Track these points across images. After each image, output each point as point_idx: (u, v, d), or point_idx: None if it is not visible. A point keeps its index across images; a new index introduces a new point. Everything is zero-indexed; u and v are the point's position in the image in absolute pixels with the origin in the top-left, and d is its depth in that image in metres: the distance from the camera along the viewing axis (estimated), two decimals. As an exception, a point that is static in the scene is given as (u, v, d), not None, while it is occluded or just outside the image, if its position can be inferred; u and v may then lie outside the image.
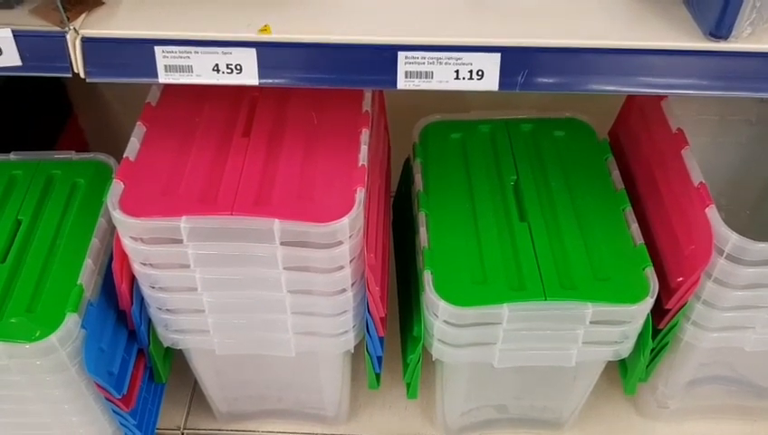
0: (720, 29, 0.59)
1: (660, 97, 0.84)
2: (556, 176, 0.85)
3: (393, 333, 0.93)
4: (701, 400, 0.94)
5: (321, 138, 0.76)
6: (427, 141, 0.90)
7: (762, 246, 0.69)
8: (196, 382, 0.97)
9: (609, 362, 0.88)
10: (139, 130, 0.77)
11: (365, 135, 0.75)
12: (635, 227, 0.79)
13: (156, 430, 0.95)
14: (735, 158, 0.98)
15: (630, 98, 0.91)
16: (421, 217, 0.81)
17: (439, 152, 0.89)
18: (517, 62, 0.61)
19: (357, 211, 0.68)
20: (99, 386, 0.77)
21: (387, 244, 0.86)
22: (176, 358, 0.93)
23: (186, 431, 1.00)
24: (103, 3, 0.65)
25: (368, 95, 0.80)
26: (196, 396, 1.02)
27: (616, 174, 0.85)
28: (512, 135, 0.90)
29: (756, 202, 1.02)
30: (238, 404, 0.96)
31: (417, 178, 0.86)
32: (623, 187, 0.84)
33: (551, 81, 0.62)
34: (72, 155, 0.87)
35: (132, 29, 0.63)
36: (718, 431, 0.98)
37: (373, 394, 1.01)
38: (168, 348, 0.88)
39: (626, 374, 0.87)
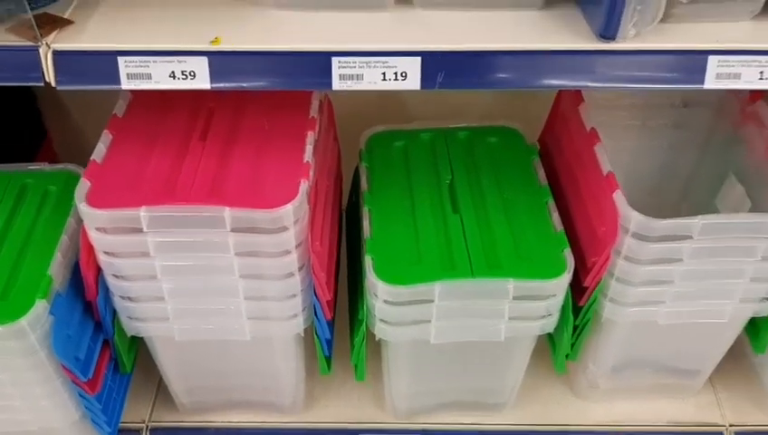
0: (608, 30, 0.69)
1: (577, 102, 0.94)
2: (487, 175, 0.95)
3: (347, 325, 1.00)
4: (630, 380, 1.03)
5: (272, 140, 0.84)
6: (373, 148, 0.99)
7: (662, 223, 0.79)
8: (161, 379, 1.04)
9: (544, 345, 0.97)
10: (105, 138, 0.85)
11: (311, 137, 0.84)
12: (555, 215, 0.88)
13: (121, 422, 1.01)
14: (657, 160, 1.08)
15: (555, 107, 1.01)
16: (365, 213, 0.90)
17: (383, 157, 0.98)
18: (435, 64, 0.70)
19: (300, 200, 0.76)
20: (66, 370, 0.83)
21: (335, 238, 0.94)
22: (142, 356, 0.99)
23: (150, 424, 1.05)
24: (73, 22, 0.73)
25: (314, 103, 0.89)
26: (161, 392, 1.08)
27: (541, 172, 0.94)
28: (449, 142, 0.99)
29: (677, 202, 1.12)
30: (200, 395, 1.02)
31: (363, 179, 0.94)
32: (546, 183, 0.93)
33: (465, 79, 0.71)
34: (45, 166, 0.95)
35: (98, 42, 0.71)
36: (648, 410, 1.05)
37: (329, 385, 1.08)
38: (132, 340, 0.95)
39: (555, 352, 0.95)
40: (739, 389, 1.08)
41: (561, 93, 0.99)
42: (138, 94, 0.90)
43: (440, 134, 1.00)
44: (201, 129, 0.86)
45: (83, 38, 0.71)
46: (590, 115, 0.92)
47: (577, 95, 0.95)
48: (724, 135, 0.98)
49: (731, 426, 1.04)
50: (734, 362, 1.09)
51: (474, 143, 0.99)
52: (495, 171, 0.95)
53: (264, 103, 0.89)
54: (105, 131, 0.85)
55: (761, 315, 0.91)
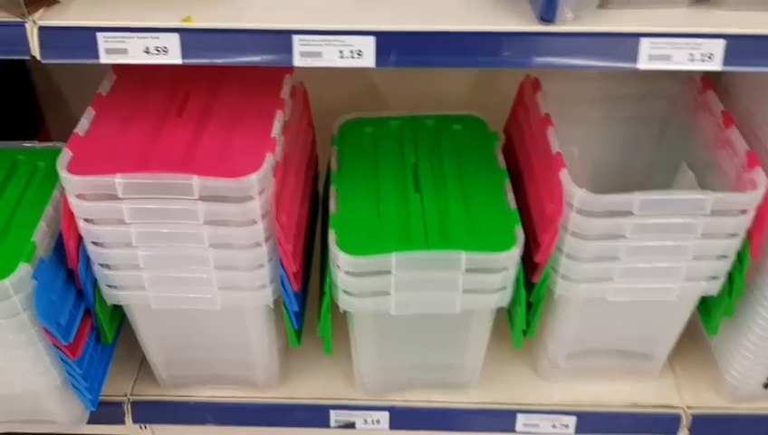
0: (547, 13, 0.74)
1: (535, 90, 0.99)
2: (450, 159, 1.00)
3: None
4: (589, 362, 1.07)
5: (243, 118, 0.91)
6: (344, 133, 1.05)
7: (603, 198, 0.84)
8: (144, 356, 1.09)
9: (508, 327, 1.01)
10: (89, 114, 0.91)
11: (279, 116, 0.90)
12: (510, 196, 0.93)
13: (104, 395, 1.06)
14: (618, 152, 1.13)
15: (518, 96, 1.06)
16: (332, 191, 0.95)
17: (353, 142, 1.03)
18: (388, 43, 0.76)
19: (265, 171, 0.82)
20: (48, 333, 0.89)
21: (305, 214, 0.99)
22: (127, 333, 1.05)
23: (132, 397, 1.10)
24: (58, 1, 0.80)
25: (286, 87, 0.95)
26: (143, 368, 1.13)
27: (501, 157, 1.00)
28: (416, 129, 1.05)
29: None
30: (178, 369, 1.07)
31: (333, 161, 1.00)
32: (505, 167, 0.98)
33: (416, 58, 0.77)
34: (36, 144, 1.02)
35: (80, 20, 0.77)
36: (608, 392, 1.09)
37: (304, 362, 1.13)
38: (114, 312, 1.01)
39: (512, 327, 0.99)
40: (698, 372, 1.12)
41: (523, 84, 1.04)
42: (121, 76, 0.97)
43: (408, 121, 1.06)
44: (178, 107, 0.92)
45: (67, 16, 0.77)
46: (552, 107, 0.98)
47: (536, 84, 1.00)
48: (678, 125, 1.04)
49: (688, 408, 1.08)
50: (694, 346, 1.13)
51: (440, 130, 1.05)
52: (458, 156, 1.00)
53: (239, 86, 0.95)
54: (89, 108, 0.91)
55: (710, 295, 0.95)
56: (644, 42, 0.75)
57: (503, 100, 1.11)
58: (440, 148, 1.02)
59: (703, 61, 0.75)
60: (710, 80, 1.00)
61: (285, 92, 0.94)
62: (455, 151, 1.01)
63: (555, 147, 0.90)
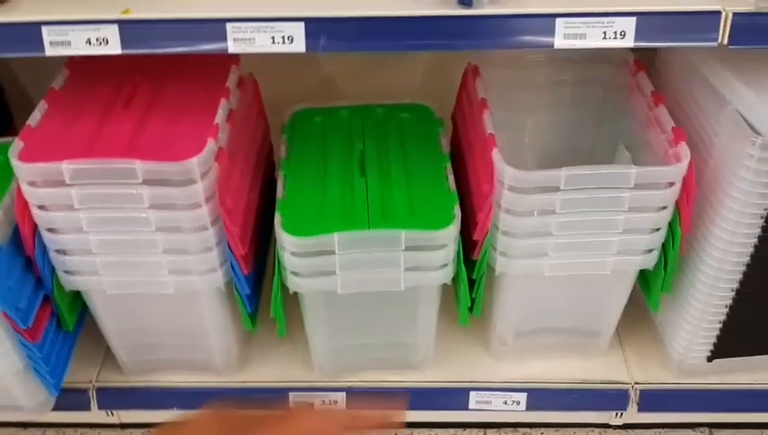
0: (465, -3, 0.78)
1: (475, 77, 1.03)
2: (395, 145, 1.04)
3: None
4: (538, 338, 1.10)
5: (188, 108, 0.94)
6: (295, 123, 1.09)
7: (531, 174, 0.87)
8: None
9: (455, 304, 1.05)
10: (41, 106, 0.95)
11: (223, 104, 0.94)
12: (451, 178, 0.97)
13: (70, 382, 1.09)
14: (561, 137, 1.17)
15: (462, 84, 1.10)
16: (280, 177, 0.99)
17: (303, 131, 1.07)
18: (317, 29, 0.80)
19: (206, 154, 0.86)
20: (6, 317, 0.92)
21: (255, 199, 1.03)
22: (91, 319, 1.08)
23: (96, 384, 1.14)
24: (7, 1, 0.84)
25: (232, 77, 0.99)
26: (108, 356, 1.16)
27: (444, 142, 1.03)
28: (365, 117, 1.09)
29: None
30: (140, 355, 1.11)
31: (282, 148, 1.04)
32: (448, 151, 1.02)
33: (345, 43, 0.81)
34: (-3, 139, 1.06)
35: (26, 16, 0.81)
36: (558, 368, 1.12)
37: (263, 348, 1.16)
38: (74, 300, 1.04)
39: (458, 305, 1.03)
40: (645, 348, 1.15)
41: (465, 72, 1.08)
42: (74, 71, 1.01)
43: (358, 111, 1.10)
44: (126, 98, 0.96)
45: (14, 13, 0.81)
46: (500, 94, 1.02)
47: (475, 72, 1.04)
48: (615, 107, 1.07)
49: (636, 384, 1.11)
50: (642, 323, 1.17)
51: (387, 118, 1.08)
52: (403, 142, 1.04)
53: (186, 77, 0.99)
54: (42, 102, 0.95)
55: (646, 268, 0.98)
56: (559, 21, 0.78)
57: (454, 89, 1.15)
58: (387, 135, 1.06)
59: (616, 38, 0.79)
60: (643, 62, 1.04)
61: (231, 82, 0.98)
62: (400, 138, 1.05)
63: (489, 128, 0.93)
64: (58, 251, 0.94)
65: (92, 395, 1.14)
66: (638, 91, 1.00)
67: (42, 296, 0.99)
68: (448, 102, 1.15)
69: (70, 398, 1.12)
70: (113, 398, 1.14)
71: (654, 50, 1.10)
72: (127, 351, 1.10)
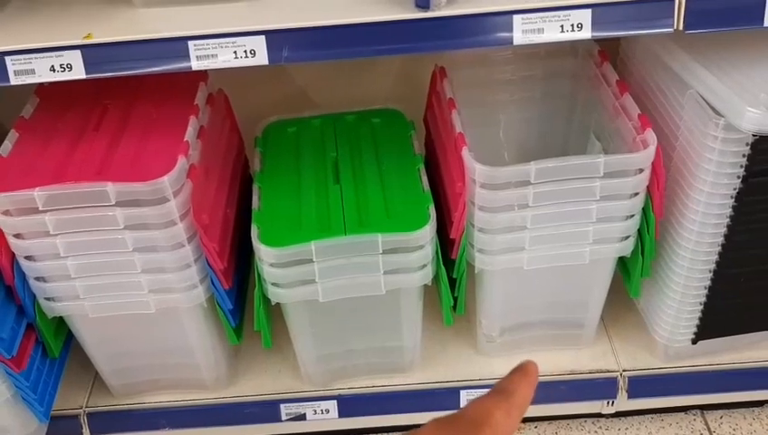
0: (422, 1, 0.79)
1: (442, 77, 1.04)
2: (368, 150, 1.04)
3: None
4: (524, 333, 1.10)
5: (158, 127, 0.95)
6: (268, 135, 1.09)
7: (501, 170, 0.88)
8: (98, 369, 1.13)
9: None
10: (12, 136, 0.95)
11: (193, 121, 0.94)
12: (425, 179, 0.98)
13: (60, 410, 1.10)
14: (532, 132, 1.18)
15: (431, 85, 1.11)
16: (255, 190, 1.00)
17: (277, 142, 1.08)
18: (279, 41, 0.80)
19: (178, 172, 0.86)
20: (-11, 347, 0.92)
21: (232, 213, 1.03)
22: (78, 345, 1.08)
23: (87, 409, 1.14)
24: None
25: (200, 94, 1.00)
26: (97, 381, 1.17)
27: (416, 143, 1.04)
28: (337, 125, 1.10)
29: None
30: (128, 377, 1.11)
31: (255, 161, 1.04)
32: (421, 152, 1.03)
33: (307, 53, 0.81)
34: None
35: (-12, 47, 0.82)
36: (546, 361, 1.13)
37: (252, 361, 1.17)
38: (59, 327, 1.04)
39: (441, 305, 1.03)
40: (631, 336, 1.16)
41: (433, 73, 1.09)
42: (43, 99, 1.01)
43: (329, 119, 1.10)
44: (96, 121, 0.96)
45: (-24, 46, 0.82)
46: (470, 93, 1.03)
47: (442, 72, 1.05)
48: (583, 99, 1.08)
49: (624, 371, 1.12)
50: (627, 311, 1.17)
51: (359, 124, 1.09)
52: (375, 146, 1.05)
53: (154, 97, 0.99)
54: (12, 130, 0.95)
55: (624, 255, 0.99)
56: (516, 18, 0.79)
57: (426, 92, 1.16)
58: (359, 141, 1.06)
59: (573, 31, 0.80)
60: (608, 52, 1.05)
61: (200, 99, 0.99)
62: (373, 143, 1.06)
63: (458, 128, 0.94)
64: (37, 278, 0.94)
65: (83, 421, 1.13)
66: (605, 82, 1.01)
67: (25, 325, 0.99)
68: (420, 106, 1.15)
69: (61, 425, 1.12)
70: (104, 422, 1.14)
71: (617, 39, 1.11)
72: (115, 374, 1.10)
